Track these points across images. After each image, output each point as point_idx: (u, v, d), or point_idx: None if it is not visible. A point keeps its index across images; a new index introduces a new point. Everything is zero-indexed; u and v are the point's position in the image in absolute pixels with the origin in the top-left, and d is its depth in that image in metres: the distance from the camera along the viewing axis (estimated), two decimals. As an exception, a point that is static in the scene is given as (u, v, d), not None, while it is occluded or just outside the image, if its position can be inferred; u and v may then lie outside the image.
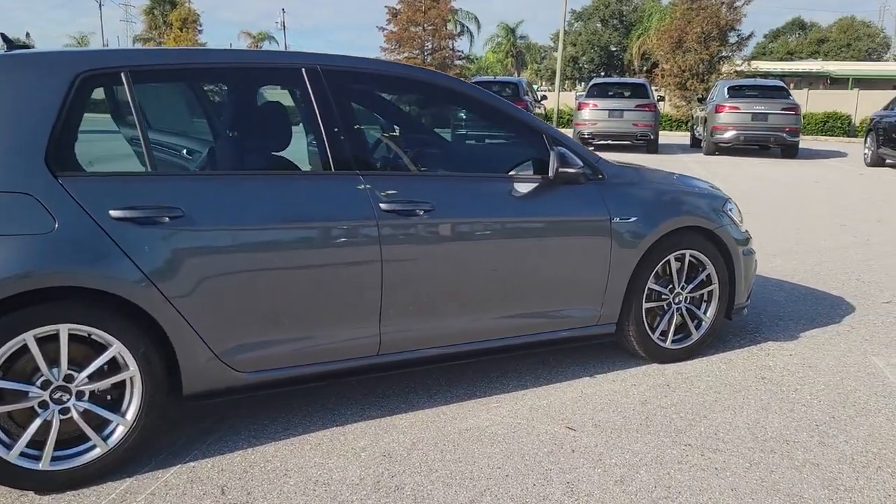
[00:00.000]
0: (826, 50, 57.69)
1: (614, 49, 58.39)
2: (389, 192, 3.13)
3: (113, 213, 2.65)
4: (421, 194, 3.20)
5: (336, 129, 3.10)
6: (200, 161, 3.26)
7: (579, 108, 18.43)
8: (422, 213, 3.17)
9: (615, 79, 29.04)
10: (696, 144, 19.81)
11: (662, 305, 3.90)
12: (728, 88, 17.73)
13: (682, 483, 2.76)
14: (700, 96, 22.87)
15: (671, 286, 3.89)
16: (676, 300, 3.91)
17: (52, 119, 2.64)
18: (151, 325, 2.76)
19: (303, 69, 3.13)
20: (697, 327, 3.99)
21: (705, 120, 18.03)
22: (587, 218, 3.57)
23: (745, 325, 4.58)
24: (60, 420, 2.66)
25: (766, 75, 31.10)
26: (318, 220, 3.00)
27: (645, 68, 43.27)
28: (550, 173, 3.42)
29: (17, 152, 2.58)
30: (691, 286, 3.94)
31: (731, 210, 4.12)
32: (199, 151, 3.42)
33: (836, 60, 47.94)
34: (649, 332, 3.83)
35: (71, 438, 2.71)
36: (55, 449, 2.66)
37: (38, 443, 2.64)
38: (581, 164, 3.48)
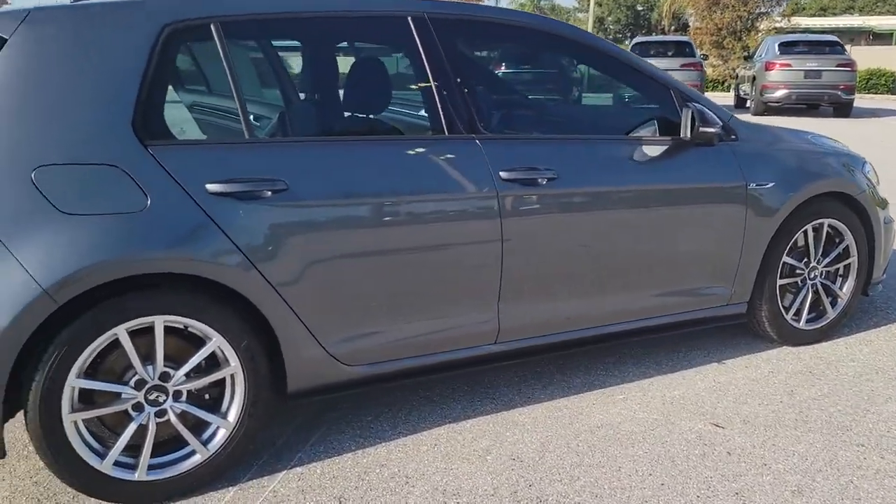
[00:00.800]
0: (861, 5, 55.70)
1: (641, 9, 56.92)
2: (509, 158, 2.74)
3: (210, 187, 2.28)
4: (543, 160, 2.80)
5: (448, 87, 2.71)
6: (301, 126, 2.88)
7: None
8: (545, 181, 2.77)
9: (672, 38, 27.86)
10: (741, 105, 19.04)
11: (796, 282, 3.48)
12: (779, 45, 16.94)
13: (872, 494, 2.38)
14: (746, 54, 21.98)
15: (806, 259, 3.47)
16: (811, 275, 3.50)
17: (138, 79, 2.27)
18: (252, 315, 2.41)
19: (409, 18, 2.72)
20: (833, 305, 3.57)
21: (753, 78, 17.27)
22: (721, 184, 3.15)
23: (873, 301, 4.15)
24: (156, 424, 2.33)
25: (806, 31, 29.98)
26: (432, 192, 2.62)
27: (673, 27, 42.08)
28: (685, 133, 3.00)
29: (100, 118, 2.22)
30: (828, 259, 3.52)
31: (868, 172, 3.67)
32: (298, 115, 3.04)
33: (878, 15, 46.23)
34: (783, 312, 3.42)
35: (167, 445, 2.39)
36: (151, 456, 2.33)
37: (132, 451, 2.32)
38: (719, 122, 3.06)
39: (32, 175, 2.10)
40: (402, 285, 2.60)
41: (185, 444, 2.40)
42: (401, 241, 2.57)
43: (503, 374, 3.27)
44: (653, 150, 3.03)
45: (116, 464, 2.29)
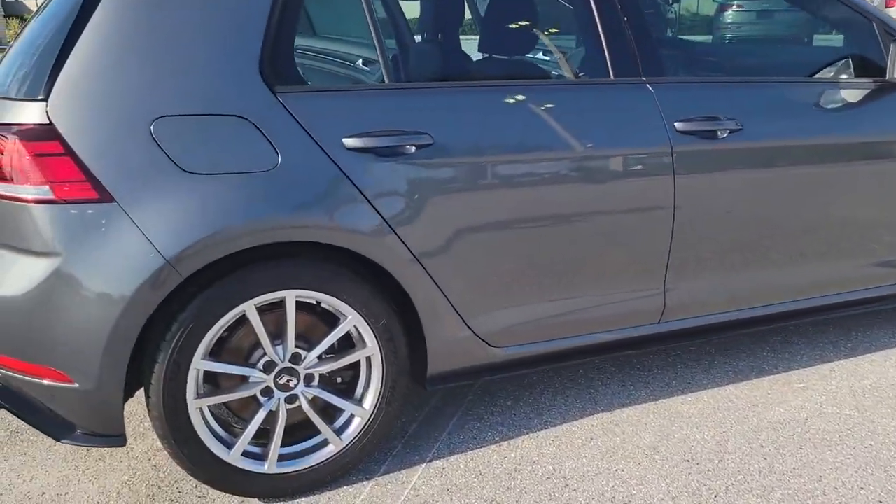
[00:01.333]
0: None
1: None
2: (685, 106, 2.31)
3: (348, 141, 1.95)
4: (724, 108, 2.36)
5: (614, 21, 2.28)
6: (445, 70, 2.51)
7: None
8: (726, 134, 2.33)
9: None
10: None
11: None
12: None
13: None
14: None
15: None
16: None
17: (265, 17, 1.94)
18: (391, 290, 2.10)
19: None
20: None
21: None
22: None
23: None
24: (287, 411, 2.06)
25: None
26: (594, 148, 2.22)
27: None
28: (892, 75, 2.49)
29: (224, 61, 1.91)
30: None
31: None
32: (442, 57, 2.67)
33: None
34: None
35: (296, 434, 2.13)
36: (280, 447, 2.07)
37: (260, 441, 2.07)
38: (935, 61, 2.53)
39: (151, 127, 1.81)
40: (557, 256, 2.23)
41: (316, 433, 2.13)
42: (558, 205, 2.19)
43: (654, 355, 2.88)
44: (852, 95, 2.53)
45: (245, 454, 2.04)
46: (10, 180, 1.79)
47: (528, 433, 2.40)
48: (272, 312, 2.01)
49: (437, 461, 2.26)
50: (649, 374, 2.75)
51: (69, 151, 1.78)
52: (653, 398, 2.59)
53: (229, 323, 1.95)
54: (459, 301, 2.15)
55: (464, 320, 2.18)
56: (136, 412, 2.49)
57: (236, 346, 2.03)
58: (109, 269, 1.79)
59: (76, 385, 1.85)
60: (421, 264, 2.06)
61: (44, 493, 2.14)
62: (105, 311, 1.79)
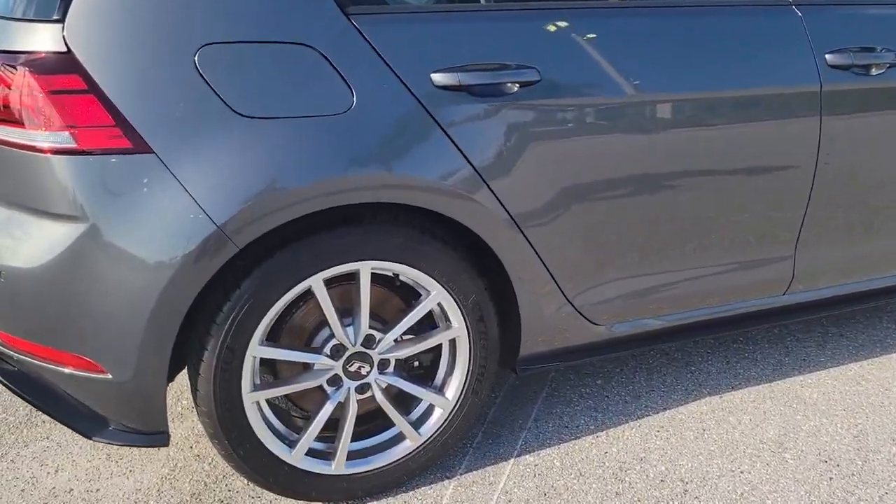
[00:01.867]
0: None
1: None
2: (838, 34, 1.89)
3: (437, 77, 1.56)
4: (882, 37, 1.93)
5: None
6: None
7: None
8: (884, 69, 1.91)
9: None
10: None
11: None
12: None
13: None
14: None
15: None
16: None
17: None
18: (481, 259, 1.74)
19: None
20: None
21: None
22: None
23: None
24: (357, 402, 1.73)
25: None
26: (734, 85, 1.81)
27: None
28: None
29: (285, -26, 1.50)
30: None
31: None
32: None
33: None
34: None
35: (367, 429, 1.80)
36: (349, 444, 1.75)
37: (326, 434, 1.75)
38: None
39: (195, 58, 1.42)
40: (679, 216, 1.85)
41: (387, 427, 1.81)
42: (684, 156, 1.80)
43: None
44: None
45: (309, 453, 1.72)
46: (21, 124, 1.42)
47: (627, 421, 2.06)
48: (338, 287, 1.66)
49: (527, 456, 1.94)
50: (755, 349, 2.40)
51: (93, 88, 1.39)
52: (766, 379, 2.24)
53: (290, 301, 1.59)
54: (562, 272, 1.79)
55: (565, 294, 1.82)
56: (172, 389, 2.17)
57: (297, 329, 1.69)
58: (146, 238, 1.43)
59: (108, 376, 1.52)
60: (519, 228, 1.69)
61: (71, 490, 1.84)
62: (142, 290, 1.44)
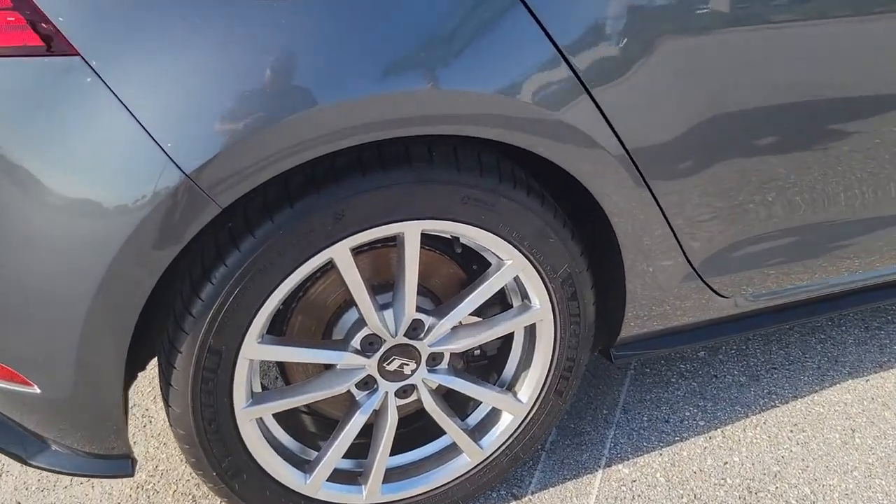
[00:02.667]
0: None
1: None
2: None
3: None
4: None
5: None
6: None
7: None
8: None
9: None
10: None
11: None
12: None
13: None
14: None
15: None
16: None
17: None
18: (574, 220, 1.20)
19: None
20: None
21: None
22: None
23: None
24: (398, 408, 1.24)
25: None
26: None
27: None
28: None
29: None
30: None
31: None
32: None
33: None
34: None
35: (406, 438, 1.32)
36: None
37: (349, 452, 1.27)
38: None
39: None
40: (817, 167, 1.28)
41: (435, 437, 1.32)
42: (840, 93, 1.21)
43: None
44: None
45: (332, 477, 1.24)
46: None
47: (747, 414, 1.57)
48: (369, 254, 1.15)
49: (619, 466, 1.46)
50: (846, 332, 1.87)
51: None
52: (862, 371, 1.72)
53: (302, 280, 1.07)
54: (687, 233, 1.25)
55: (689, 260, 1.28)
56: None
57: (310, 315, 1.17)
58: (74, 187, 0.89)
59: (35, 390, 1.03)
60: (647, 184, 1.14)
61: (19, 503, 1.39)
62: (72, 274, 0.93)
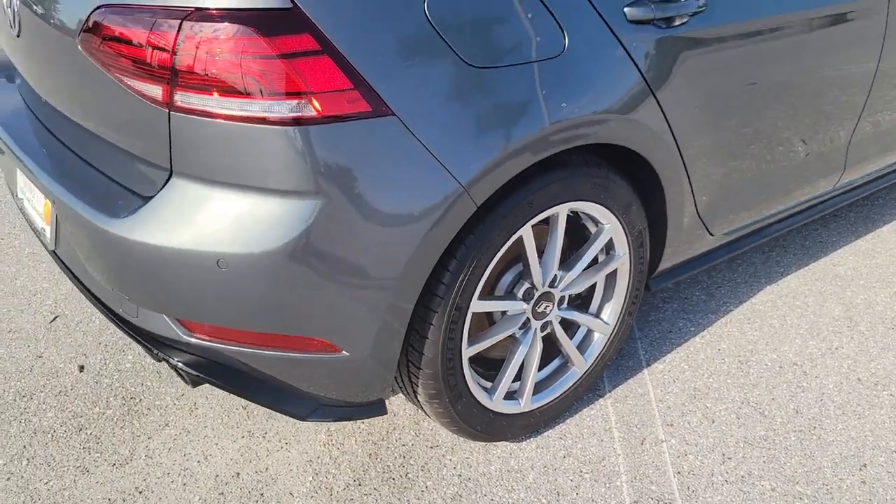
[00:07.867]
0: None
1: None
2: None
3: (630, 11, 1.55)
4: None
5: None
6: None
7: None
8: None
9: None
10: None
11: None
12: None
13: None
14: None
15: None
16: None
17: None
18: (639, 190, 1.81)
19: None
20: None
21: None
22: None
23: None
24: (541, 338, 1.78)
25: None
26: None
27: None
28: None
29: None
30: None
31: None
32: None
33: None
34: None
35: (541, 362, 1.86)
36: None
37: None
38: None
39: (425, 6, 1.31)
40: (791, 127, 2.01)
41: (552, 358, 1.88)
42: (808, 71, 1.94)
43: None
44: None
45: (506, 396, 1.76)
46: (243, 94, 1.25)
47: (717, 318, 2.27)
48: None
49: (655, 364, 2.09)
50: (783, 239, 2.68)
51: (327, 48, 1.25)
52: (802, 264, 2.53)
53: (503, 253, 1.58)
54: (698, 186, 1.90)
55: (696, 207, 1.94)
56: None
57: (495, 276, 1.68)
58: (391, 208, 1.34)
59: (345, 353, 1.44)
60: (681, 155, 1.77)
61: (238, 474, 1.74)
62: (390, 261, 1.36)
